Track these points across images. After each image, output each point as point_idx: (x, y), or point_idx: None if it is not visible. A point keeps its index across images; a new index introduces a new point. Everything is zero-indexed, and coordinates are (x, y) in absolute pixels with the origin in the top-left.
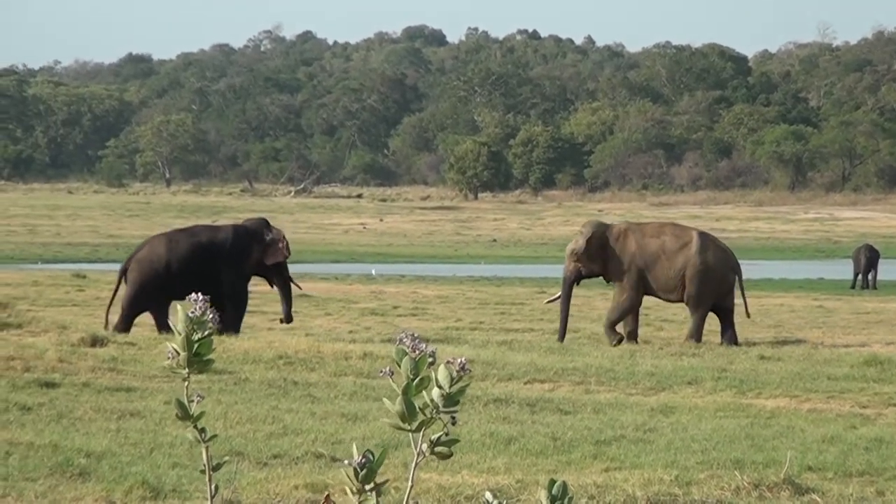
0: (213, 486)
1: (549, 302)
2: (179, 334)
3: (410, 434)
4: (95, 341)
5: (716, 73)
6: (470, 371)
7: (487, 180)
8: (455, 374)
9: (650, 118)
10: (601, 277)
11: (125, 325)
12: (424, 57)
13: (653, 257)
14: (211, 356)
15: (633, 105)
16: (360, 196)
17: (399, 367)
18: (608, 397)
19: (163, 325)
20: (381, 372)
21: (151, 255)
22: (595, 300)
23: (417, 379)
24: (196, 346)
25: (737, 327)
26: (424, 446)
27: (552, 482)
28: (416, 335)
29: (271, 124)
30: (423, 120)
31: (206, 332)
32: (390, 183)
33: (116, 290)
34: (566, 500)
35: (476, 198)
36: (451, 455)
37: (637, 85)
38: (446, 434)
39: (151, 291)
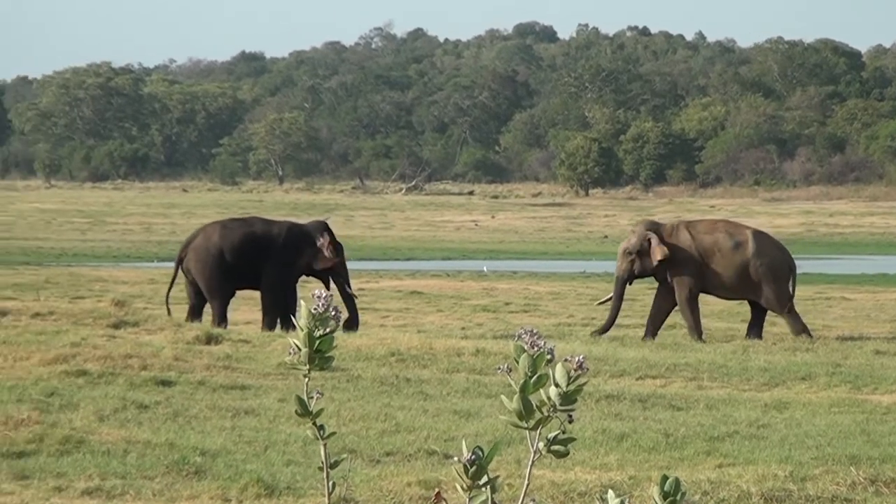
0: (330, 484)
1: (601, 303)
2: (302, 330)
3: (527, 432)
4: (210, 339)
5: (828, 68)
6: (588, 369)
7: (598, 176)
8: (572, 372)
9: (762, 113)
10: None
11: (221, 319)
12: (535, 53)
13: (707, 254)
14: (332, 353)
15: (745, 100)
16: (471, 193)
17: (517, 363)
18: (721, 393)
19: (195, 315)
20: (499, 369)
21: (207, 243)
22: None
23: (535, 376)
24: (317, 342)
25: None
26: (541, 444)
27: (665, 478)
28: (535, 331)
29: (382, 122)
30: (534, 116)
31: (327, 329)
32: (501, 179)
33: (174, 278)
34: (679, 497)
35: (587, 194)
36: (568, 453)
37: (748, 80)
38: (563, 432)
39: (220, 277)
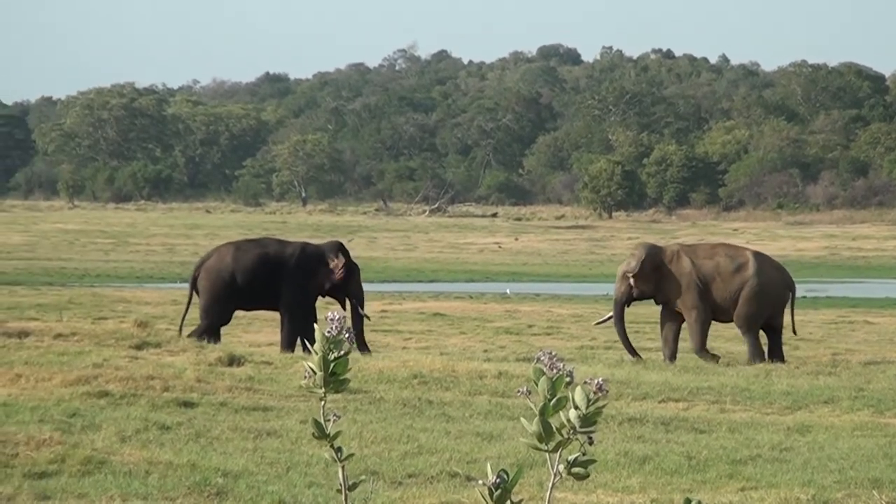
0: None
1: (598, 324)
2: (316, 354)
3: (547, 454)
4: (232, 360)
5: (852, 91)
6: (607, 391)
7: (621, 199)
8: (592, 394)
9: (785, 137)
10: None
11: (205, 335)
12: (559, 76)
13: (708, 277)
14: (347, 376)
15: (768, 124)
16: (494, 215)
17: (536, 386)
18: (743, 416)
19: (212, 336)
20: (519, 391)
21: (219, 264)
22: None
23: (555, 399)
24: (332, 365)
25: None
26: (561, 467)
27: (688, 501)
28: (554, 354)
29: (406, 143)
30: (558, 139)
31: (342, 352)
32: (525, 202)
33: (190, 300)
34: None
35: (610, 217)
36: (588, 476)
37: (772, 104)
38: (583, 454)
39: (221, 300)
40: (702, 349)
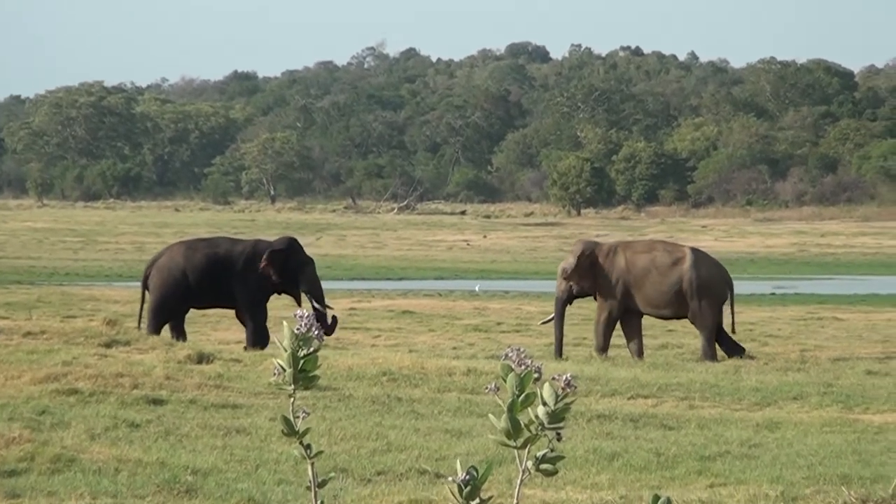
0: (318, 503)
1: (543, 323)
2: (285, 351)
3: (516, 451)
4: (202, 358)
5: (821, 88)
6: (575, 388)
7: (590, 196)
8: (560, 391)
9: (754, 134)
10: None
11: (153, 331)
12: (528, 73)
13: (642, 273)
14: (317, 372)
15: (737, 120)
16: (463, 213)
17: (505, 382)
18: (712, 413)
19: (179, 333)
20: (487, 388)
21: (170, 263)
22: None
23: (523, 396)
24: (302, 362)
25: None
26: (529, 463)
27: (656, 498)
28: (522, 351)
29: (374, 141)
30: (527, 136)
31: (311, 349)
32: (494, 199)
33: (143, 298)
34: None
35: (579, 214)
36: (557, 472)
37: (741, 100)
38: (551, 451)
39: (171, 299)
40: (603, 349)
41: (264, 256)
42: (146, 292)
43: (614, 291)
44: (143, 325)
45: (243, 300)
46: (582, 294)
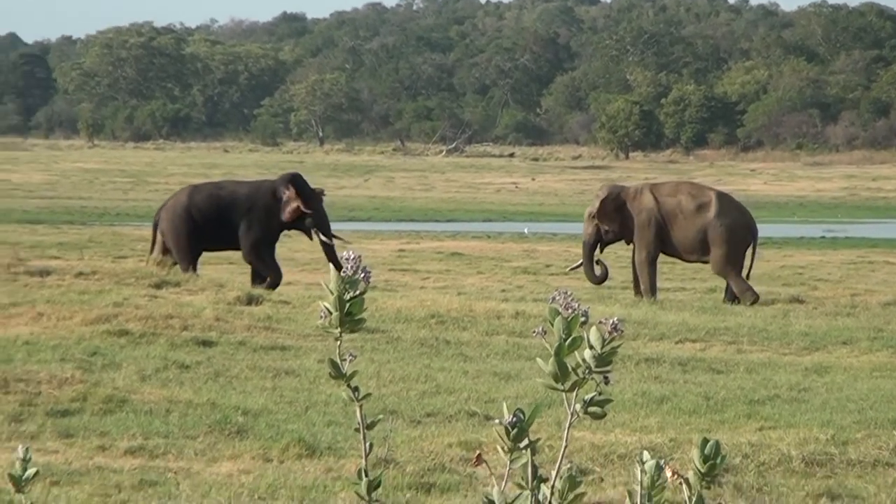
0: (367, 445)
1: (571, 269)
2: (332, 293)
3: (563, 394)
4: (251, 300)
5: (873, 32)
6: (622, 331)
7: (639, 140)
8: (607, 334)
9: (805, 77)
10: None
11: (185, 270)
12: (577, 16)
13: (670, 215)
14: (363, 315)
15: (788, 64)
16: (511, 155)
17: (552, 326)
18: (761, 357)
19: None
20: (534, 332)
21: (175, 205)
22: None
23: (570, 339)
24: (348, 305)
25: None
26: (577, 406)
27: (705, 441)
28: (569, 294)
29: (423, 83)
30: (576, 79)
31: (357, 292)
32: (542, 142)
33: (154, 240)
34: (719, 459)
35: (627, 157)
36: (605, 415)
37: (792, 44)
38: (599, 394)
39: (184, 238)
40: (652, 292)
41: (288, 185)
42: (157, 234)
43: (647, 230)
44: (149, 263)
45: (247, 241)
46: (611, 239)
